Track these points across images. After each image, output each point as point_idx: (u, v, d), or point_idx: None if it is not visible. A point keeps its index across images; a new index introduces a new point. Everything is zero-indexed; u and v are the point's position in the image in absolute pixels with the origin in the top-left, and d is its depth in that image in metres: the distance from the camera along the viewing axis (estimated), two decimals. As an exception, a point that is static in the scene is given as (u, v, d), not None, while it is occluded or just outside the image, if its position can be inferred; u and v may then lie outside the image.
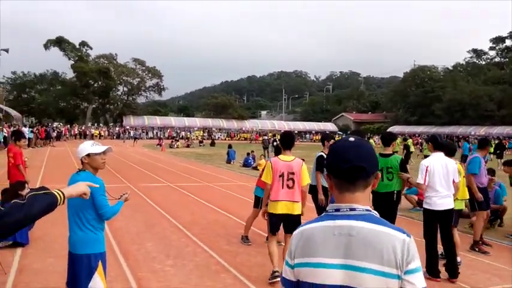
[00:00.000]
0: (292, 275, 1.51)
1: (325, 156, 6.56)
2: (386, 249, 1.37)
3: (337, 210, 1.48)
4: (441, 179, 5.55)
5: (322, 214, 1.54)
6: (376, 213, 1.48)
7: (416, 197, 10.28)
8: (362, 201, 1.48)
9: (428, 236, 5.70)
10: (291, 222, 5.19)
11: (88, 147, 3.55)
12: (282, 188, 5.16)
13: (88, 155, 3.51)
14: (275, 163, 5.28)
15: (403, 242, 1.38)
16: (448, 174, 5.59)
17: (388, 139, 6.46)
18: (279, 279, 5.20)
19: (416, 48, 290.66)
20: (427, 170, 5.57)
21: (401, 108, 72.69)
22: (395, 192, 6.01)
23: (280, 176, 5.17)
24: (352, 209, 1.46)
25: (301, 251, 1.48)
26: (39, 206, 1.72)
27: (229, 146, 24.27)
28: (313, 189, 6.72)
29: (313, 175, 6.77)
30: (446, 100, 60.19)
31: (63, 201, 1.85)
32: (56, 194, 1.80)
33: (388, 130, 62.46)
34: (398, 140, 32.06)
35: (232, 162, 22.42)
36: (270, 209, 5.24)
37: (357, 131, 8.27)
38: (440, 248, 6.33)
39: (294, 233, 1.56)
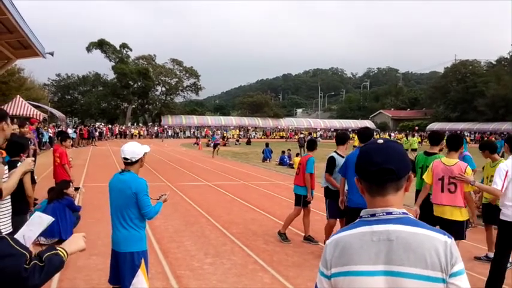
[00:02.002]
0: (329, 286, 1.46)
1: (335, 157, 6.30)
2: (429, 252, 1.32)
3: (373, 215, 1.44)
4: None
5: (356, 220, 1.49)
6: (412, 216, 1.44)
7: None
8: (396, 204, 1.44)
9: (502, 252, 4.93)
10: (447, 226, 5.12)
11: (144, 147, 3.68)
12: (442, 191, 5.14)
13: (144, 153, 3.65)
14: (435, 165, 5.28)
15: (445, 244, 1.34)
16: None
17: (436, 138, 6.15)
18: None
19: (457, 43, 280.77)
20: (506, 174, 4.83)
21: (442, 105, 70.46)
22: (431, 194, 5.74)
23: (439, 179, 5.15)
24: (388, 213, 1.41)
25: (338, 260, 1.43)
26: (54, 267, 1.82)
27: (266, 145, 24.34)
28: (325, 192, 6.54)
29: (324, 176, 6.51)
30: (490, 95, 57.81)
31: (67, 258, 1.94)
32: (61, 253, 1.89)
33: (428, 127, 60.95)
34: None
35: (268, 161, 22.46)
36: (436, 211, 5.28)
37: (366, 128, 6.95)
38: (481, 250, 6.12)
39: (328, 241, 1.52)
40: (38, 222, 2.54)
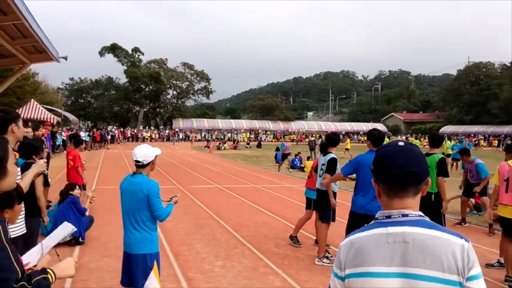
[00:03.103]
0: (342, 287, 1.46)
1: (337, 158, 6.13)
2: (446, 255, 1.31)
3: (388, 217, 1.43)
4: None
5: (371, 222, 1.48)
6: (428, 219, 1.42)
7: (473, 200, 9.78)
8: (413, 207, 1.43)
9: None
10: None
11: (155, 149, 3.70)
12: (506, 192, 5.40)
13: (156, 156, 3.67)
14: (501, 167, 5.54)
15: (462, 247, 1.33)
16: None
17: (437, 140, 6.18)
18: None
19: (471, 45, 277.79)
20: None
21: (455, 107, 69.84)
22: (432, 193, 5.70)
23: (505, 180, 5.42)
24: (404, 215, 1.40)
25: (352, 262, 1.42)
26: None
27: (277, 149, 24.33)
28: (320, 195, 6.29)
29: (320, 179, 6.23)
30: (504, 98, 57.13)
31: (54, 281, 1.95)
32: (50, 277, 1.90)
33: (441, 130, 60.43)
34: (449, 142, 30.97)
35: (280, 164, 22.44)
36: (500, 211, 5.51)
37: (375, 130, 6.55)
38: (496, 255, 6.01)
39: (342, 243, 1.50)
40: (65, 230, 2.65)
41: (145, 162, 3.64)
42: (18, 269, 1.71)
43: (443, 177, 5.75)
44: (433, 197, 5.71)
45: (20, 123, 3.29)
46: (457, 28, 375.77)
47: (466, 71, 70.14)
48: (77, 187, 7.50)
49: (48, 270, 1.90)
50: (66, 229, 2.70)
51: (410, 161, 1.41)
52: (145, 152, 3.64)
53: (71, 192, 7.14)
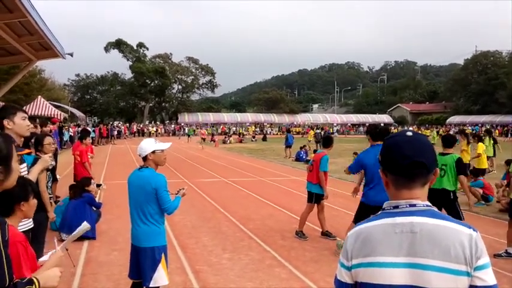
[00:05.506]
0: (349, 277, 1.45)
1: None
2: (453, 245, 1.30)
3: (396, 207, 1.42)
4: None
5: (379, 212, 1.48)
6: (435, 209, 1.42)
7: (481, 191, 9.75)
8: (421, 197, 1.42)
9: None
10: None
11: (153, 144, 3.72)
12: None
13: (153, 151, 3.68)
14: None
15: (470, 237, 1.32)
16: None
17: (451, 141, 6.30)
18: None
19: (478, 33, 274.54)
20: None
21: (462, 97, 69.14)
22: (450, 191, 5.85)
23: None
24: (412, 205, 1.39)
25: (359, 252, 1.42)
26: None
27: (288, 131, 25.06)
28: None
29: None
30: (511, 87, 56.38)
31: None
32: (33, 287, 1.90)
33: (448, 120, 59.97)
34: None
35: (289, 149, 22.60)
36: None
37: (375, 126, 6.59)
38: (503, 245, 6.00)
39: (349, 233, 1.50)
40: (82, 229, 2.74)
41: (141, 155, 3.71)
42: (7, 277, 1.69)
43: (465, 175, 5.98)
44: (451, 194, 5.85)
45: (17, 118, 3.26)
46: (464, 17, 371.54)
47: (473, 60, 69.26)
48: (92, 182, 7.55)
49: (34, 279, 1.91)
50: (83, 227, 2.79)
51: (419, 151, 1.39)
52: (141, 145, 3.73)
53: (86, 188, 7.18)
